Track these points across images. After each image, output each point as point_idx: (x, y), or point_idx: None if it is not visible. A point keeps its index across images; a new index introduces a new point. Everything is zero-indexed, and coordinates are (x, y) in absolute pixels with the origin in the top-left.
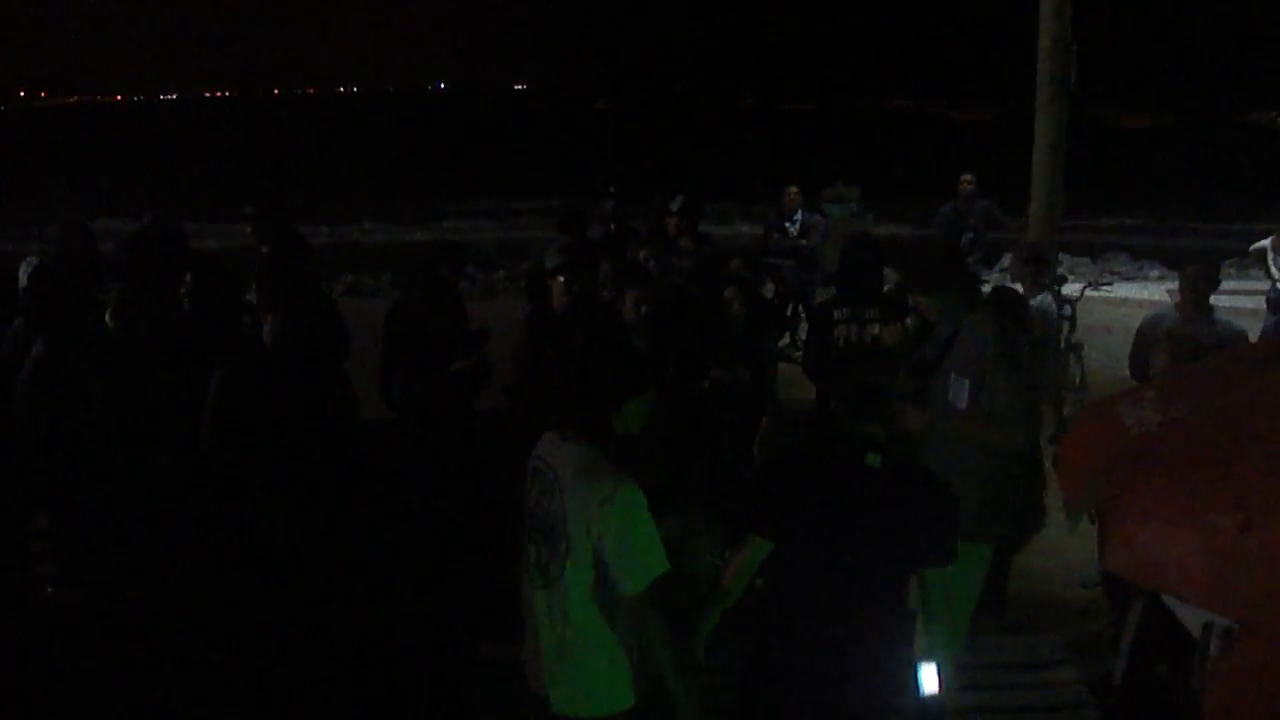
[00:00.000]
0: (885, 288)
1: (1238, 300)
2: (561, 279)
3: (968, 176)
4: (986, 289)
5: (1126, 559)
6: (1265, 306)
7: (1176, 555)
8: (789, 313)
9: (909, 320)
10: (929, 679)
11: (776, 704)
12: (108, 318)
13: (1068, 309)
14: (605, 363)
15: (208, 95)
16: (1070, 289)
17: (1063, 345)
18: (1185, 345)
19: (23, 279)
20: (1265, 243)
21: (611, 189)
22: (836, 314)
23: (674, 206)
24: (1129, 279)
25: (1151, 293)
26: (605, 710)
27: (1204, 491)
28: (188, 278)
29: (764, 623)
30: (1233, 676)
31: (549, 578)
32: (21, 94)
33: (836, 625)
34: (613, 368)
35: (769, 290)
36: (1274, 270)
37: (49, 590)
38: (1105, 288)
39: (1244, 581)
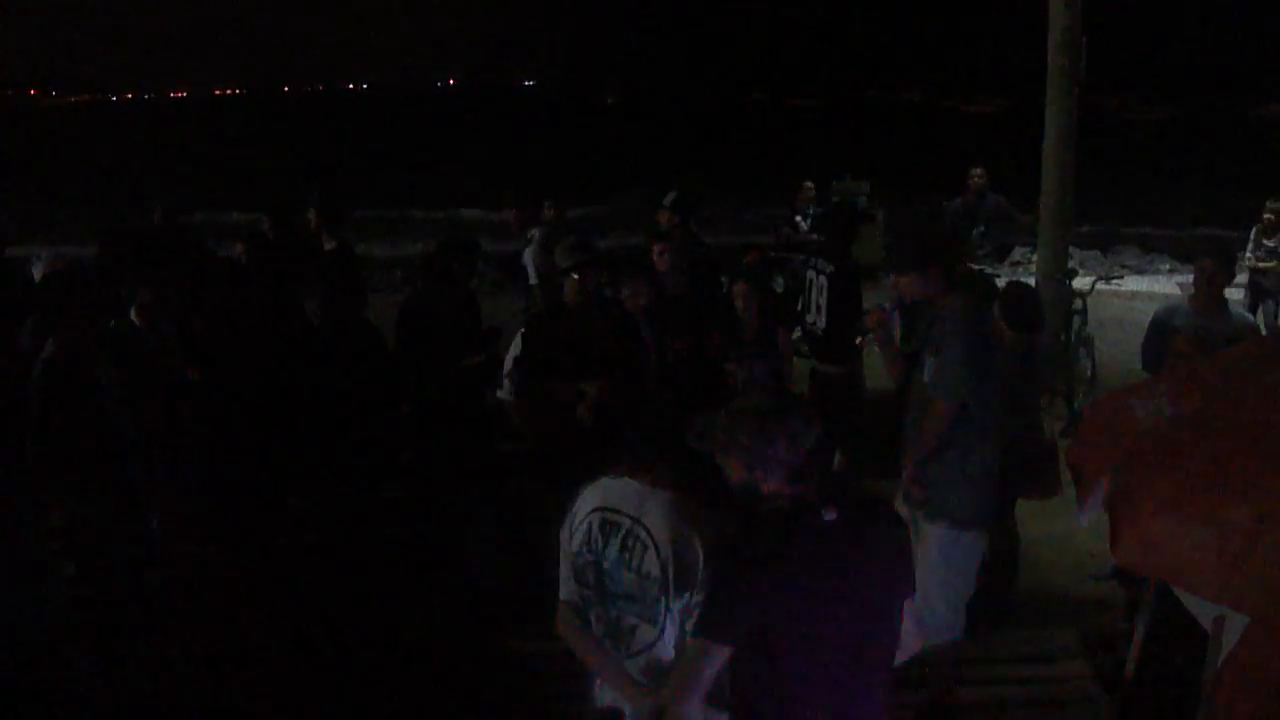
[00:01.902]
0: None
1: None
2: (575, 276)
3: (978, 170)
4: (1001, 283)
5: (1138, 553)
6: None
7: (1189, 549)
8: (799, 306)
9: (886, 305)
10: None
11: None
12: (133, 314)
13: (1079, 302)
14: (696, 403)
15: (218, 93)
16: (1081, 282)
17: (1074, 339)
18: (1203, 343)
19: (36, 275)
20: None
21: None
22: (809, 262)
23: (666, 201)
24: (1140, 272)
25: (1162, 286)
26: None
27: (1217, 485)
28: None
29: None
30: (1244, 669)
31: (642, 644)
32: (32, 92)
33: (841, 692)
34: (701, 407)
35: (779, 284)
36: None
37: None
38: (1116, 281)
39: (1257, 575)
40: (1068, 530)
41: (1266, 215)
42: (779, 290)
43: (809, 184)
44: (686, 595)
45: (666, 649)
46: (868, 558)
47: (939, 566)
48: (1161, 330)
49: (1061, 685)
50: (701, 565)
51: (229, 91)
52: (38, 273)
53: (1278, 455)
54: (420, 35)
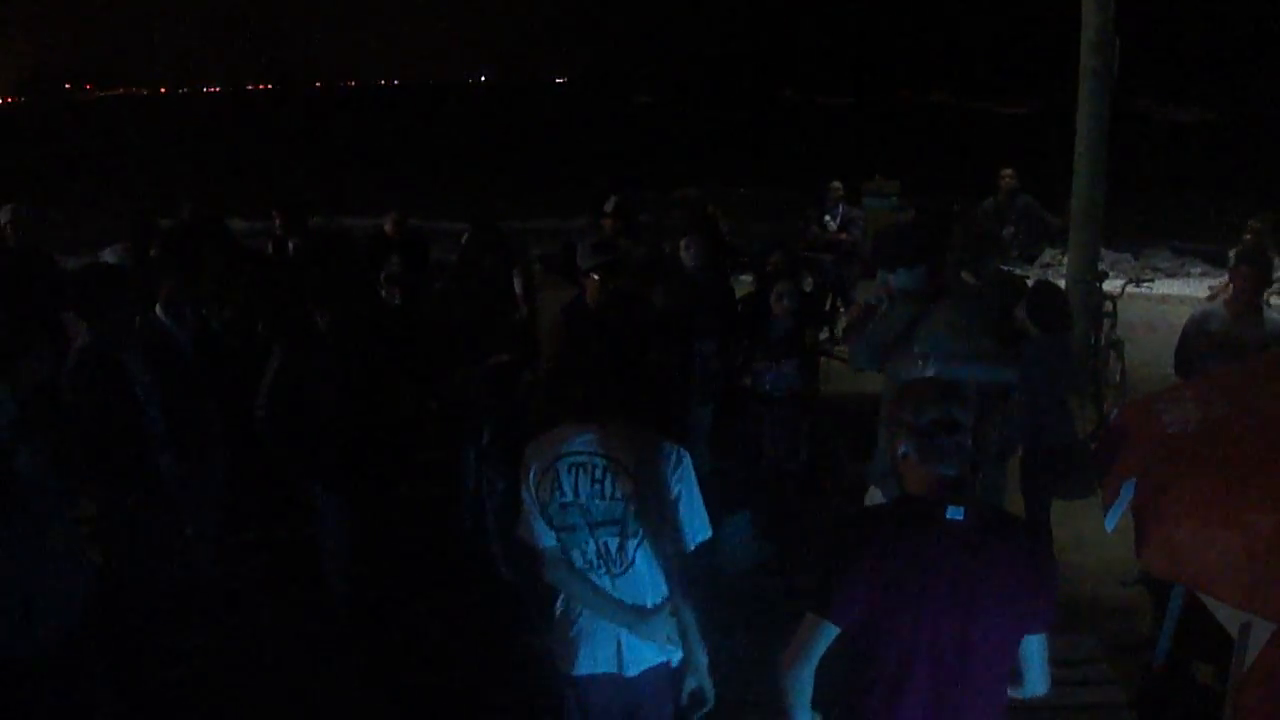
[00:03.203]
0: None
1: None
2: (596, 277)
3: (1008, 171)
4: (1029, 283)
5: (1164, 558)
6: None
7: (1215, 555)
8: (827, 306)
9: (875, 299)
10: None
11: None
12: (159, 310)
13: (1109, 305)
14: (646, 356)
15: (250, 88)
16: (1111, 285)
17: (1103, 342)
18: (1237, 349)
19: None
20: None
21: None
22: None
23: (608, 208)
24: (1171, 275)
25: (1194, 289)
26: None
27: (1242, 491)
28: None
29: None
30: (1268, 675)
31: (623, 562)
32: (67, 86)
33: (928, 704)
34: (647, 359)
35: (808, 284)
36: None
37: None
38: (1147, 284)
39: None
40: (1095, 534)
41: (1247, 235)
42: (807, 290)
43: (836, 183)
44: (658, 507)
45: (648, 558)
46: (987, 573)
47: None
48: (1196, 335)
49: (1085, 690)
50: (672, 481)
51: (261, 87)
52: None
53: None
54: (452, 32)
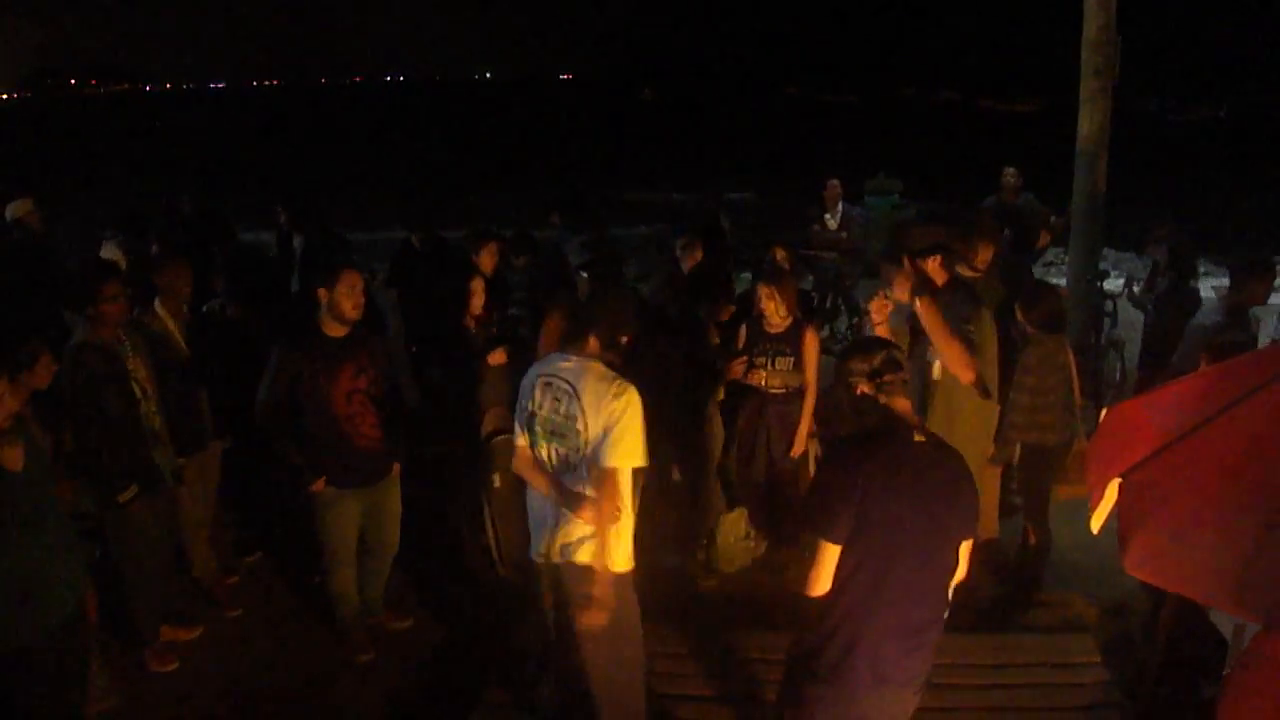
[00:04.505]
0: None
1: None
2: (585, 274)
3: (1011, 170)
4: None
5: (1149, 561)
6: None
7: (1199, 557)
8: (828, 305)
9: (887, 294)
10: None
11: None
12: (157, 305)
13: (1109, 305)
14: (612, 302)
15: (255, 84)
16: (1112, 285)
17: (1104, 342)
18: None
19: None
20: None
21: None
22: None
23: (509, 242)
24: None
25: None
26: (619, 568)
27: (1227, 492)
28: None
29: (833, 613)
30: (1253, 675)
31: (577, 472)
32: (72, 81)
33: (917, 604)
34: (615, 306)
35: (808, 282)
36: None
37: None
38: None
39: (1268, 582)
40: (1088, 534)
41: (1153, 242)
42: (808, 288)
43: (835, 182)
44: (601, 431)
45: (584, 473)
46: (942, 485)
47: None
48: (1199, 338)
49: (1082, 691)
50: (610, 404)
51: (266, 83)
52: (109, 255)
53: None
54: (457, 29)
